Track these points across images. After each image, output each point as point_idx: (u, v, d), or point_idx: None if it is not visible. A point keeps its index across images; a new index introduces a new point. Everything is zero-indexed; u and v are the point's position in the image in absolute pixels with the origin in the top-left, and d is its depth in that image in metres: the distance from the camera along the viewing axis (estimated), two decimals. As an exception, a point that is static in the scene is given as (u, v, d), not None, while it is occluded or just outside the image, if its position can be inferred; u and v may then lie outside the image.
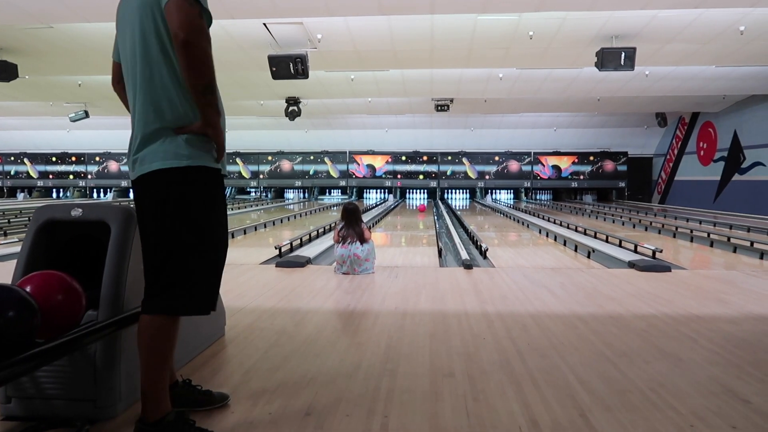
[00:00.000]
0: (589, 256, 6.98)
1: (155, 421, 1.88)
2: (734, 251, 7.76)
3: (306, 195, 25.36)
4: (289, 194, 25.83)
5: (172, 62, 1.86)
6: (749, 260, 6.99)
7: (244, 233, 10.43)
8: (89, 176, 25.29)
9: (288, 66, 8.99)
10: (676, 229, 10.57)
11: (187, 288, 1.89)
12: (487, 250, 7.25)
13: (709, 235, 9.23)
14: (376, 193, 25.05)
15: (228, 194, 25.42)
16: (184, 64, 1.80)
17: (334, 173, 24.61)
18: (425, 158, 24.13)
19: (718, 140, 17.38)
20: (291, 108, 14.84)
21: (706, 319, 3.71)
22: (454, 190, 24.55)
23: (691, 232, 9.92)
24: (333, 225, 7.78)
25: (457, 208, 19.36)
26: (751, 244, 7.91)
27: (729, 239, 8.58)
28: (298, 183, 24.91)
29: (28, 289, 1.93)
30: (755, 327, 3.52)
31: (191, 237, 1.88)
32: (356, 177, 24.51)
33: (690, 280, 5.24)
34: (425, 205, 20.20)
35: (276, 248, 7.07)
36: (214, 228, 1.94)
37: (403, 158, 24.18)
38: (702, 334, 3.33)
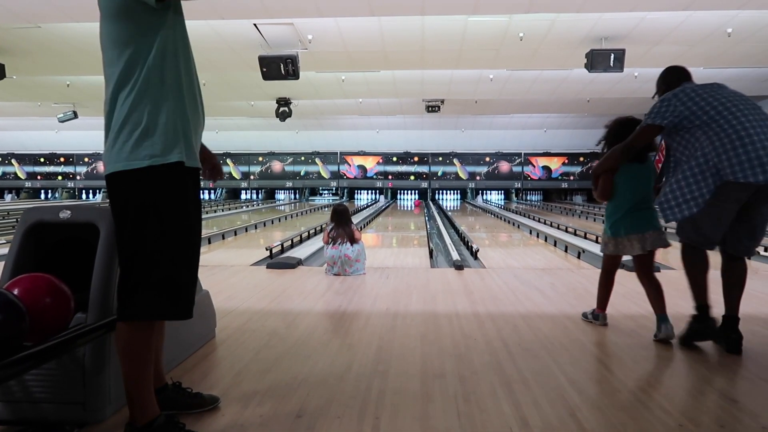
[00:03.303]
0: (579, 257, 7.01)
1: (144, 425, 1.87)
2: (722, 251, 7.82)
3: (297, 196, 25.32)
4: (280, 195, 25.78)
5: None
6: (737, 260, 7.04)
7: (235, 234, 10.40)
8: (78, 177, 25.13)
9: (278, 67, 8.98)
10: (665, 229, 10.64)
11: (153, 293, 1.83)
12: (477, 250, 7.27)
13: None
14: (368, 194, 25.05)
15: (218, 195, 25.32)
16: None
17: (325, 174, 24.60)
18: (416, 159, 24.19)
19: (706, 141, 17.51)
20: (282, 109, 14.82)
21: (695, 318, 3.73)
22: (445, 191, 24.62)
23: (680, 232, 9.99)
24: (324, 226, 7.77)
25: (448, 208, 19.41)
26: (739, 244, 7.98)
27: (717, 239, 8.63)
28: (289, 184, 24.88)
29: (15, 291, 1.91)
30: (743, 327, 3.54)
31: (156, 240, 1.82)
32: (347, 178, 24.52)
33: (679, 280, 5.25)
34: (420, 201, 20.36)
35: (267, 249, 7.05)
36: (180, 229, 1.88)
37: (394, 159, 24.22)
38: (691, 334, 3.35)
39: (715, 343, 3.08)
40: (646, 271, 3.37)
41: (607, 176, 3.30)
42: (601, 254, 3.63)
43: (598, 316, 3.58)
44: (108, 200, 1.92)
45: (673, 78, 3.19)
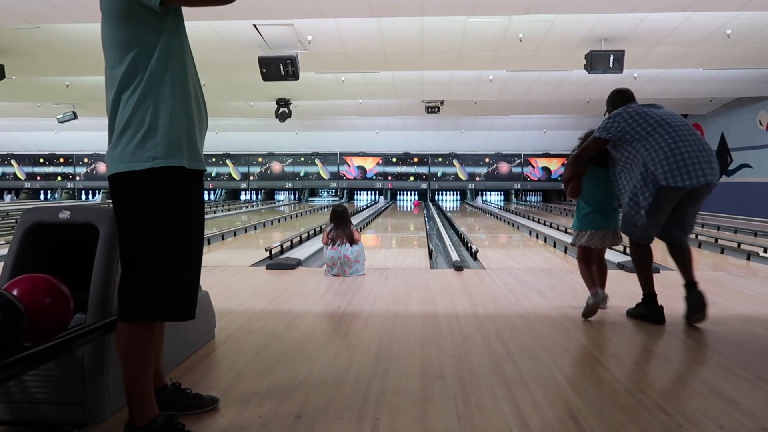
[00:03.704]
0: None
1: (144, 426, 1.87)
2: (721, 252, 7.84)
3: (296, 197, 25.31)
4: (280, 196, 25.77)
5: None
6: (736, 261, 7.06)
7: (234, 235, 10.40)
8: (77, 178, 25.12)
9: (278, 67, 8.98)
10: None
11: (155, 293, 1.84)
12: (477, 251, 7.27)
13: (696, 237, 9.31)
14: (367, 194, 25.05)
15: (218, 196, 25.31)
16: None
17: (324, 175, 24.60)
18: (416, 160, 24.19)
19: (706, 142, 17.55)
20: (281, 109, 14.81)
21: (694, 319, 3.73)
22: (444, 192, 24.62)
23: (680, 233, 9.99)
24: (323, 227, 7.76)
25: (448, 209, 19.42)
26: (738, 245, 7.99)
27: (716, 240, 8.66)
28: (288, 185, 24.87)
29: (15, 292, 1.91)
30: (742, 328, 3.56)
31: (157, 241, 1.83)
32: (347, 179, 24.52)
33: (678, 281, 5.26)
34: (419, 201, 20.40)
35: (266, 250, 7.05)
36: (182, 230, 1.88)
37: (394, 160, 24.22)
38: (690, 335, 3.36)
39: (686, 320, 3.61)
40: (598, 258, 3.98)
41: (575, 180, 3.86)
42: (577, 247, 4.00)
43: (597, 294, 3.77)
44: (108, 201, 1.93)
45: (619, 100, 3.79)
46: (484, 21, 8.27)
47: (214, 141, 22.76)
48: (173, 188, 1.86)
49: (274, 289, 4.79)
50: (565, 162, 23.27)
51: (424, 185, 24.21)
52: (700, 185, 3.28)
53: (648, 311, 3.68)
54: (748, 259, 7.11)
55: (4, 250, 6.30)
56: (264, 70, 9.09)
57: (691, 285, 3.58)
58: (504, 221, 14.03)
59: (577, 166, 3.80)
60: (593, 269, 3.93)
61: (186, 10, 1.95)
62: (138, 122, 1.82)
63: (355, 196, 25.20)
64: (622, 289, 4.78)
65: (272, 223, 13.19)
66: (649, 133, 3.38)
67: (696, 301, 3.50)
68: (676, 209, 3.48)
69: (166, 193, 1.85)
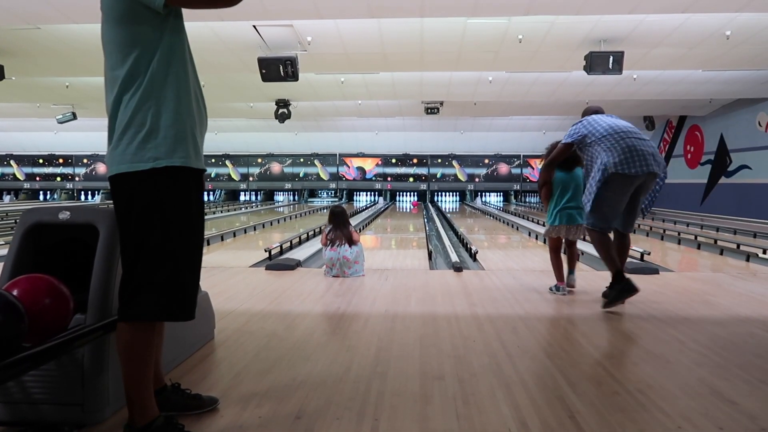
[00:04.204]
0: (578, 259, 7.00)
1: (143, 426, 1.87)
2: (721, 253, 7.84)
3: (296, 197, 25.31)
4: (279, 197, 25.77)
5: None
6: (736, 262, 7.06)
7: (234, 236, 10.39)
8: (77, 178, 25.12)
9: (278, 68, 8.98)
10: (664, 231, 10.66)
11: (156, 294, 1.84)
12: (476, 252, 7.27)
13: (696, 238, 9.32)
14: (367, 195, 25.05)
15: (218, 196, 25.31)
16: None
17: (324, 176, 24.60)
18: (415, 161, 24.20)
19: (705, 143, 17.56)
20: (281, 110, 14.81)
21: (694, 321, 3.74)
22: (443, 193, 24.62)
23: (679, 234, 10.02)
24: (322, 228, 7.77)
25: (447, 210, 19.43)
26: (738, 246, 8.00)
27: (716, 242, 8.66)
28: (288, 185, 24.87)
29: (14, 292, 1.91)
30: (742, 329, 3.56)
31: (158, 241, 1.83)
32: (346, 179, 24.52)
33: (677, 282, 5.29)
34: (417, 201, 20.44)
35: (266, 251, 7.05)
36: (184, 231, 1.88)
37: (393, 161, 24.22)
38: (689, 336, 3.36)
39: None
40: (570, 244, 4.88)
41: (546, 186, 4.65)
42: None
43: (558, 288, 4.65)
44: (108, 202, 1.93)
45: (586, 113, 4.49)
46: (483, 22, 8.28)
47: (213, 142, 22.75)
48: (175, 188, 1.86)
49: (273, 290, 4.79)
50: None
51: (423, 186, 24.22)
52: (643, 173, 3.91)
53: (621, 286, 3.98)
54: (748, 260, 7.11)
55: (3, 251, 6.30)
56: (263, 71, 9.10)
57: (620, 272, 4.09)
58: (503, 222, 14.03)
59: (550, 170, 4.57)
60: (562, 259, 4.76)
61: (186, 11, 1.96)
62: (139, 123, 1.82)
63: (355, 197, 25.20)
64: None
65: (272, 224, 13.18)
66: (604, 136, 4.05)
67: (627, 287, 3.97)
68: (629, 202, 4.08)
69: (168, 193, 1.85)
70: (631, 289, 3.95)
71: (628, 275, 4.05)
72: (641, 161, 3.89)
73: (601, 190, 3.94)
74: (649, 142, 4.08)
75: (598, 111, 4.47)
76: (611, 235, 4.19)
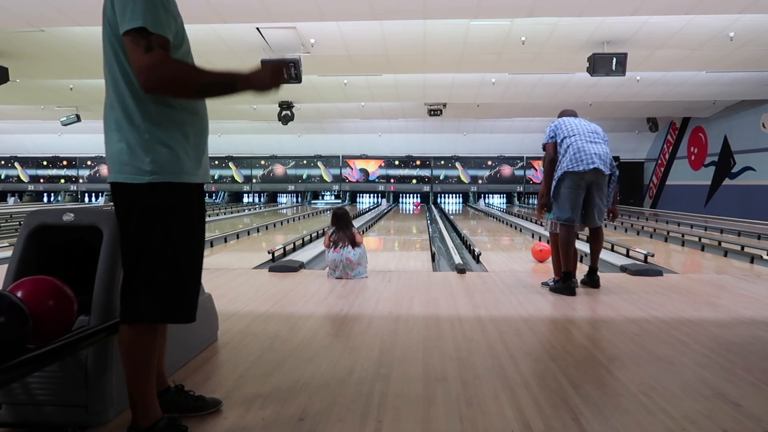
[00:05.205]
0: (581, 261, 6.99)
1: (147, 428, 1.87)
2: (725, 255, 7.82)
3: (299, 199, 25.33)
4: (282, 198, 25.78)
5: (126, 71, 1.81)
6: (740, 264, 7.04)
7: (237, 238, 10.40)
8: (81, 180, 25.17)
9: (281, 70, 8.99)
10: (668, 233, 10.64)
11: (156, 296, 1.84)
12: (480, 254, 7.26)
13: (700, 240, 9.30)
14: (370, 197, 25.05)
15: (221, 198, 25.35)
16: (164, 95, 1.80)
17: (327, 177, 24.61)
18: (418, 163, 24.18)
19: (709, 145, 17.52)
20: (284, 112, 14.84)
21: (698, 322, 3.73)
22: (447, 195, 24.59)
23: (683, 236, 9.99)
24: (326, 229, 7.78)
25: (450, 212, 19.41)
26: (742, 248, 7.97)
27: (720, 243, 8.64)
28: (291, 187, 24.88)
29: (18, 294, 1.92)
30: (746, 331, 3.55)
31: (159, 246, 1.83)
32: (349, 181, 24.52)
33: (681, 284, 5.27)
34: (419, 203, 20.49)
35: (269, 253, 7.05)
36: (184, 234, 1.89)
37: (396, 163, 24.21)
38: (693, 338, 3.35)
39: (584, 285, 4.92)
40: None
41: (546, 199, 4.94)
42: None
43: (555, 282, 4.83)
44: (111, 204, 1.93)
45: (561, 115, 4.98)
46: (486, 24, 8.29)
47: (216, 144, 22.78)
48: (176, 191, 1.86)
49: (276, 292, 4.79)
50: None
51: (426, 188, 24.20)
52: (588, 170, 4.52)
53: (564, 285, 4.62)
54: (752, 262, 7.09)
55: (8, 253, 6.32)
56: (267, 73, 9.10)
57: (594, 269, 4.93)
58: (506, 224, 14.01)
59: (547, 184, 4.87)
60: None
61: (186, 13, 1.95)
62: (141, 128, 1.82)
63: (358, 199, 25.19)
64: (626, 293, 4.77)
65: (275, 226, 13.19)
66: (568, 135, 4.67)
67: (594, 283, 4.88)
68: (586, 197, 4.66)
69: (169, 196, 1.85)
70: (571, 293, 4.58)
71: (580, 280, 4.86)
72: (587, 160, 4.53)
73: (557, 187, 4.65)
74: (601, 145, 4.66)
75: (569, 113, 5.02)
76: (587, 231, 4.96)
